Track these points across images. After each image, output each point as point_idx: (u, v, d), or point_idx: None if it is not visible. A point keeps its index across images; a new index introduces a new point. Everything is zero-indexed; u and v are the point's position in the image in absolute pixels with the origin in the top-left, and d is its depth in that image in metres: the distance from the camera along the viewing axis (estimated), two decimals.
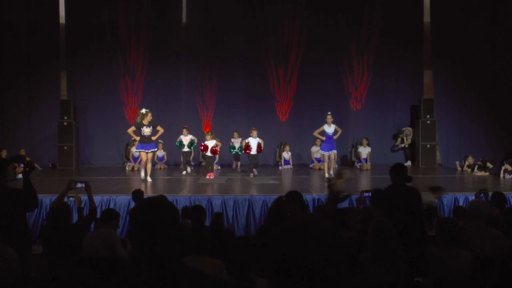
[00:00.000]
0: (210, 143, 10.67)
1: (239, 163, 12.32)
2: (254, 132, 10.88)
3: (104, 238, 4.50)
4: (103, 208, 7.43)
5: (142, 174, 9.70)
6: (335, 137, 10.04)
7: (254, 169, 10.58)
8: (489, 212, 4.48)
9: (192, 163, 12.32)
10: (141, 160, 9.96)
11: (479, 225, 4.15)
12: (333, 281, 1.28)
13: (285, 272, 1.28)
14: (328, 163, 10.11)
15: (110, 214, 4.87)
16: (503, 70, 12.48)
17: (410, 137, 13.25)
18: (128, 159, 12.71)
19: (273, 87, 13.45)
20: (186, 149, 11.46)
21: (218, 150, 10.82)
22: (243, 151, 11.05)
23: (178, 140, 11.48)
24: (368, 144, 12.80)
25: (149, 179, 9.63)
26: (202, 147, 10.70)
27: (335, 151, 10.16)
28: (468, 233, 4.07)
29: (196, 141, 11.51)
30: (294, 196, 4.85)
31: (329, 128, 9.99)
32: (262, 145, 10.90)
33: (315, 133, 10.46)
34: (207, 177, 10.30)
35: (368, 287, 3.36)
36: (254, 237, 5.19)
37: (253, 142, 10.77)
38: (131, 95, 13.40)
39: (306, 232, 1.30)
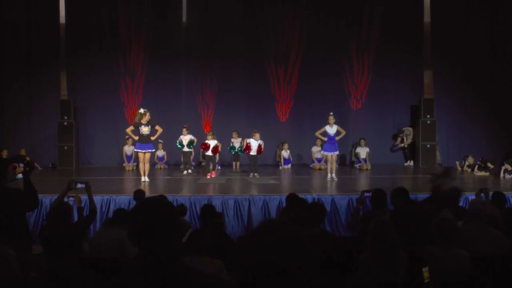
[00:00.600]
0: (212, 142, 10.68)
1: (238, 163, 12.32)
2: (257, 135, 10.88)
3: (117, 238, 4.45)
4: (104, 209, 7.44)
5: (142, 178, 9.66)
6: (337, 138, 9.99)
7: (255, 173, 10.56)
8: (490, 211, 4.47)
9: (193, 163, 12.32)
10: (136, 160, 9.91)
11: (479, 225, 4.14)
12: (304, 282, 1.28)
13: (255, 276, 1.29)
14: (330, 163, 10.06)
15: (124, 215, 4.79)
16: (503, 70, 12.49)
17: (410, 137, 13.24)
18: (123, 160, 12.68)
19: (273, 87, 13.45)
20: (185, 149, 11.47)
21: (219, 149, 10.83)
22: (243, 150, 11.05)
23: (178, 140, 11.49)
24: (366, 144, 12.81)
25: (146, 178, 9.60)
26: (203, 146, 10.70)
27: (336, 153, 10.09)
28: (469, 233, 4.07)
29: (195, 141, 11.51)
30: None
31: (331, 129, 9.95)
32: (262, 147, 10.91)
33: (317, 134, 10.42)
34: (208, 177, 10.30)
35: (368, 287, 3.36)
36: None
37: (254, 143, 10.78)
38: (131, 95, 13.40)
39: (273, 237, 1.31)
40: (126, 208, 7.31)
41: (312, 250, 1.31)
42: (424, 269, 3.54)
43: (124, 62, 13.30)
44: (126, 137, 11.85)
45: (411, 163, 13.26)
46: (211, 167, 10.57)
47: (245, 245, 1.32)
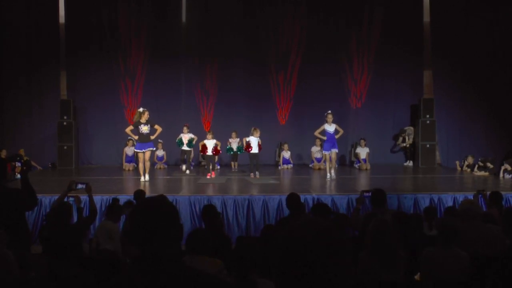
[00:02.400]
0: (211, 142, 10.68)
1: (236, 164, 12.32)
2: (256, 132, 10.78)
3: None
4: (103, 209, 7.42)
5: (142, 178, 9.65)
6: (336, 136, 9.99)
7: (256, 172, 10.53)
8: (480, 210, 4.48)
9: (192, 163, 12.31)
10: (136, 160, 9.87)
11: (475, 224, 4.14)
12: (338, 279, 1.29)
13: (291, 272, 1.29)
14: (329, 162, 10.05)
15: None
16: (503, 70, 12.49)
17: (413, 136, 13.22)
18: (123, 160, 12.66)
19: (273, 87, 13.45)
20: (185, 147, 11.48)
21: (219, 149, 10.83)
22: (244, 149, 11.03)
23: (178, 138, 11.50)
24: (366, 145, 12.80)
25: (146, 177, 9.59)
26: (201, 149, 10.73)
27: (336, 150, 10.05)
28: (467, 233, 4.07)
29: (195, 139, 11.52)
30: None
31: (330, 127, 9.92)
32: (261, 143, 10.88)
33: (316, 133, 10.36)
34: (208, 177, 10.30)
35: (367, 286, 3.36)
36: (256, 237, 5.20)
37: (254, 140, 10.74)
38: (131, 95, 13.41)
39: (311, 232, 1.31)
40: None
41: (346, 246, 1.32)
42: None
43: (124, 62, 13.30)
44: (128, 138, 11.86)
45: (411, 163, 13.25)
46: (211, 167, 10.58)
47: (282, 239, 1.33)
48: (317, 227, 1.32)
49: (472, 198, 5.72)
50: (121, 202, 7.50)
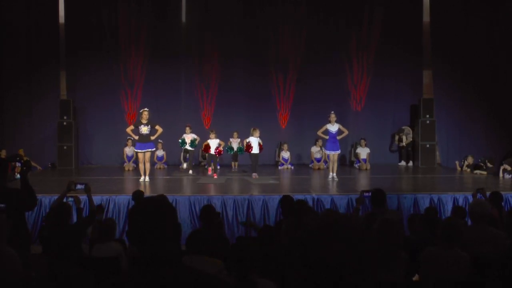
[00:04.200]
0: (214, 142, 10.68)
1: (237, 164, 12.31)
2: (256, 132, 10.75)
3: None
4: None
5: (142, 178, 9.65)
6: (338, 137, 9.99)
7: (255, 173, 10.51)
8: (489, 211, 4.46)
9: (192, 163, 12.31)
10: (136, 160, 9.89)
11: (480, 226, 4.14)
12: (362, 279, 1.29)
13: (314, 272, 1.28)
14: (330, 162, 10.04)
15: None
16: (503, 70, 12.49)
17: (411, 136, 13.22)
18: (124, 160, 12.69)
19: (273, 87, 13.45)
20: (187, 147, 11.49)
21: (222, 149, 10.84)
22: (244, 150, 11.02)
23: (181, 138, 11.50)
24: (366, 145, 12.79)
25: (146, 178, 9.61)
26: (204, 148, 10.74)
27: (338, 152, 10.06)
28: (470, 233, 4.06)
29: (198, 140, 11.51)
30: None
31: (332, 127, 9.95)
32: (262, 144, 10.88)
33: (319, 133, 10.34)
34: (209, 173, 10.30)
35: (368, 286, 3.35)
36: (256, 237, 5.19)
37: (254, 141, 10.73)
38: (130, 95, 13.41)
39: (336, 232, 1.30)
40: (126, 208, 7.33)
41: (374, 249, 1.31)
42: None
43: (124, 62, 13.30)
44: (128, 137, 11.87)
45: (410, 163, 13.22)
46: (212, 166, 10.58)
47: (308, 240, 1.32)
48: (343, 227, 1.30)
49: (472, 198, 5.73)
50: (119, 201, 7.54)
